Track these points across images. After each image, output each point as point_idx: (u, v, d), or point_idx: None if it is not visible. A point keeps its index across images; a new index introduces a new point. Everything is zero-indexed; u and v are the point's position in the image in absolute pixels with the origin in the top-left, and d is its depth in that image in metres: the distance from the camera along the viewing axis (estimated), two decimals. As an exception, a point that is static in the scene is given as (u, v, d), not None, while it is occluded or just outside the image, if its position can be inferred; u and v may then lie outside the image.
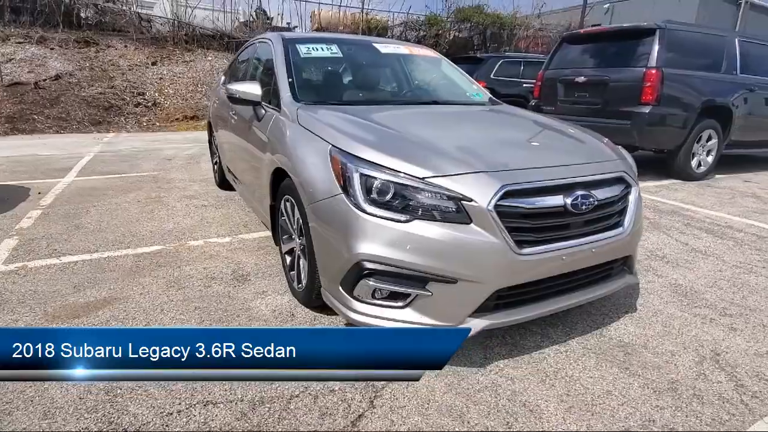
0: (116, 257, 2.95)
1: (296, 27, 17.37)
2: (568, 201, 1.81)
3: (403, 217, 1.69)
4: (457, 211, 1.70)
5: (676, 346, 2.10)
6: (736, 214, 4.34)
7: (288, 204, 2.37)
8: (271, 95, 2.79)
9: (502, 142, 2.21)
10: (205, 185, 4.88)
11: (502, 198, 1.70)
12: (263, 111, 2.76)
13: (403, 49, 3.36)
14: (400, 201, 1.73)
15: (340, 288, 1.86)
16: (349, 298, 1.83)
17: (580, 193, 1.84)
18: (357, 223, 1.73)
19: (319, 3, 17.53)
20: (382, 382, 1.76)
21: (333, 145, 1.94)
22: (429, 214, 1.70)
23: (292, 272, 2.49)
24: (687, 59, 5.35)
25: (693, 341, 2.15)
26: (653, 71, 5.10)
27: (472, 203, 1.68)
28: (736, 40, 5.88)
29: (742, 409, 1.72)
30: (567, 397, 1.75)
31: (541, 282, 1.83)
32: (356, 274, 1.76)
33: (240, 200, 4.33)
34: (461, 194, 1.69)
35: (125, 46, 13.12)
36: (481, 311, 1.76)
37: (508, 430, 1.58)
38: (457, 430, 1.57)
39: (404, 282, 1.74)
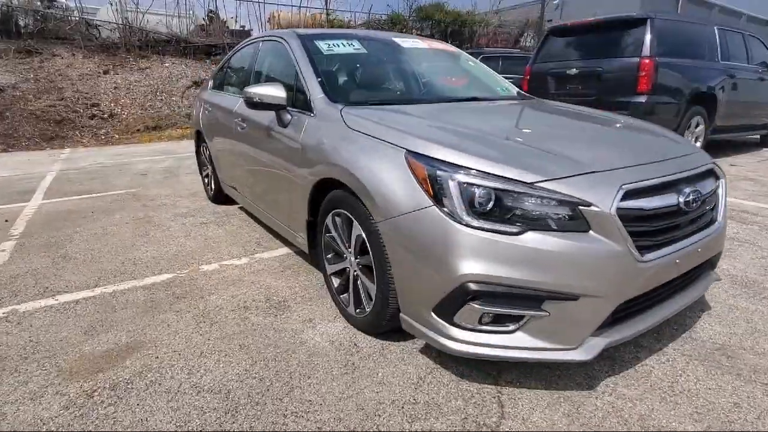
0: (124, 291, 2.55)
1: (252, 30, 16.83)
2: (681, 199, 1.64)
3: (514, 229, 1.46)
4: (573, 218, 1.48)
5: (772, 344, 1.99)
6: (742, 197, 4.39)
7: (339, 219, 2.09)
8: (295, 98, 2.50)
9: (588, 140, 2.00)
10: (195, 201, 4.47)
11: (622, 199, 1.50)
12: (289, 116, 2.46)
13: (422, 43, 3.13)
14: (507, 211, 1.49)
15: (434, 314, 1.61)
16: (447, 325, 1.58)
17: (689, 189, 1.68)
18: (458, 239, 1.49)
19: (278, 4, 17.06)
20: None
21: (408, 150, 1.69)
22: (542, 223, 1.48)
23: (343, 295, 2.21)
24: (676, 48, 5.41)
25: (785, 337, 2.05)
26: (647, 60, 5.11)
27: (592, 208, 1.47)
28: (715, 28, 6.02)
29: None
30: (698, 415, 1.58)
31: (655, 289, 1.65)
32: (459, 297, 1.52)
33: (242, 215, 3.96)
34: (578, 198, 1.47)
35: (72, 55, 12.22)
36: (599, 328, 1.56)
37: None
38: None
39: (517, 303, 1.51)
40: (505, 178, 1.50)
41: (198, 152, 4.49)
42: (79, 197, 4.69)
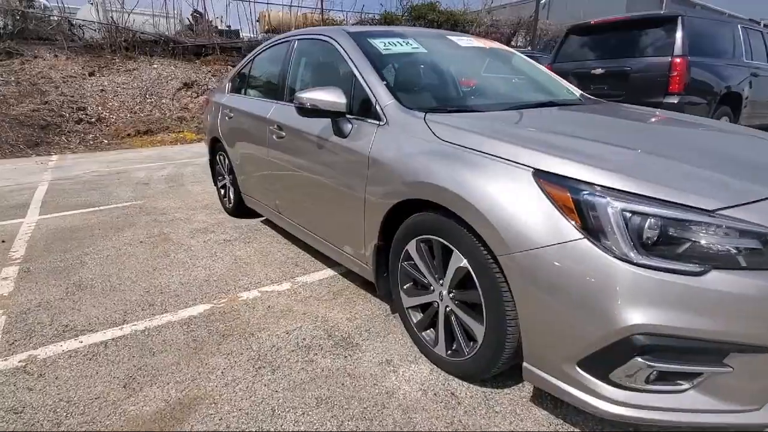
0: (158, 328, 2.21)
1: (239, 29, 16.37)
2: None
3: (695, 268, 1.19)
4: (763, 253, 1.21)
5: None
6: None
7: (425, 246, 1.79)
8: (353, 104, 2.18)
9: (729, 154, 1.71)
10: (210, 214, 4.10)
11: (819, 229, 1.24)
12: (349, 124, 2.15)
13: (476, 41, 2.84)
14: (682, 245, 1.22)
15: (579, 369, 1.32)
16: (599, 383, 1.30)
17: None
18: (624, 280, 1.20)
19: (268, 3, 16.65)
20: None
21: (538, 169, 1.40)
22: (726, 260, 1.20)
23: (427, 332, 1.91)
24: (705, 47, 5.24)
25: None
26: (679, 60, 4.92)
27: (786, 240, 1.20)
28: (739, 26, 5.88)
29: None
30: None
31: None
32: (623, 352, 1.23)
33: (267, 229, 3.63)
34: (769, 228, 1.21)
35: (55, 56, 11.64)
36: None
37: None
38: None
39: (694, 358, 1.23)
40: (681, 205, 1.22)
41: (213, 161, 4.12)
42: (80, 211, 4.28)
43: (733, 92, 5.54)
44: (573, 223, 1.29)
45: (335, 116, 2.16)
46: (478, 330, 1.61)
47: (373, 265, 2.09)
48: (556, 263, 1.30)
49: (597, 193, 1.27)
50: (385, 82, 2.10)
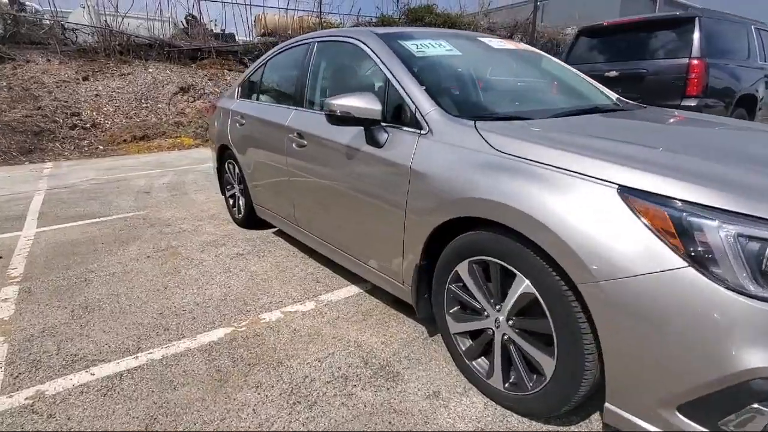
0: (176, 357, 2.02)
1: (234, 33, 16.18)
2: None
3: (826, 302, 1.03)
4: None
5: None
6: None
7: (478, 267, 1.63)
8: (387, 111, 2.02)
9: None
10: (218, 225, 3.91)
11: None
12: (385, 133, 1.98)
13: (507, 44, 2.69)
14: (807, 274, 1.06)
15: (680, 415, 1.16)
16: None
17: None
18: (740, 316, 1.04)
19: (263, 7, 16.49)
20: None
21: (623, 186, 1.23)
22: None
23: (478, 361, 1.74)
24: (721, 48, 5.14)
25: None
26: (697, 62, 4.81)
27: None
28: (752, 27, 5.79)
29: None
30: None
31: None
32: (739, 397, 1.07)
33: (280, 241, 3.44)
34: None
35: (48, 61, 11.39)
36: None
37: None
38: None
39: (820, 403, 1.08)
40: (803, 227, 1.07)
41: (221, 170, 3.93)
42: (79, 223, 4.07)
43: (748, 94, 5.45)
44: (674, 248, 1.13)
45: (369, 124, 1.99)
46: (547, 363, 1.45)
47: (413, 286, 1.92)
48: (654, 294, 1.14)
49: (704, 215, 1.11)
50: (423, 87, 1.93)
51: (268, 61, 3.33)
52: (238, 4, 15.57)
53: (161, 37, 13.42)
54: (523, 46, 2.82)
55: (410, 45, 2.22)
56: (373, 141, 2.01)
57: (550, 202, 1.33)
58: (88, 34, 12.63)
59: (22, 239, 3.67)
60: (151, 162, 7.57)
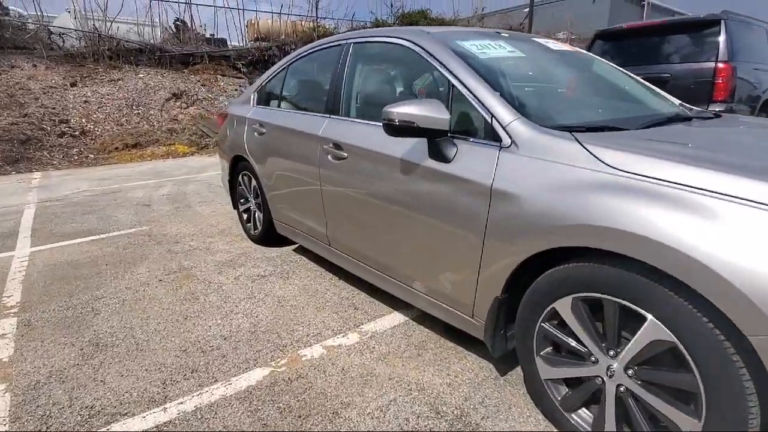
0: (212, 407, 1.73)
1: (226, 38, 15.86)
2: None
3: None
4: None
5: None
6: None
7: (585, 305, 1.38)
8: (452, 121, 1.76)
9: None
10: (231, 241, 3.61)
11: None
12: (453, 147, 1.72)
13: (563, 45, 2.46)
14: None
15: None
16: None
17: None
18: None
19: (256, 11, 16.20)
20: None
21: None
22: None
23: (578, 413, 1.49)
24: (745, 51, 4.99)
25: None
26: (724, 65, 4.65)
27: None
28: (769, 29, 5.69)
29: None
30: None
31: None
32: None
33: (303, 260, 3.17)
34: None
35: (34, 66, 10.96)
36: None
37: None
38: None
39: None
40: None
41: (234, 182, 3.64)
42: (78, 241, 3.74)
43: (769, 98, 5.32)
44: None
45: (434, 136, 1.73)
46: (688, 425, 1.20)
47: (491, 322, 1.66)
48: None
49: None
50: (498, 93, 1.69)
51: (290, 64, 3.05)
52: (230, 8, 15.27)
53: (152, 41, 13.04)
54: (572, 47, 2.60)
55: (470, 46, 1.98)
56: (438, 155, 1.75)
57: (702, 233, 1.09)
58: (76, 38, 12.21)
59: (15, 261, 3.34)
60: (146, 171, 7.22)
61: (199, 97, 12.11)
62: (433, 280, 1.90)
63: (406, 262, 2.03)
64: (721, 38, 4.71)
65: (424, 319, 2.32)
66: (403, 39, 2.12)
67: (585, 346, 1.41)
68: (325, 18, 15.60)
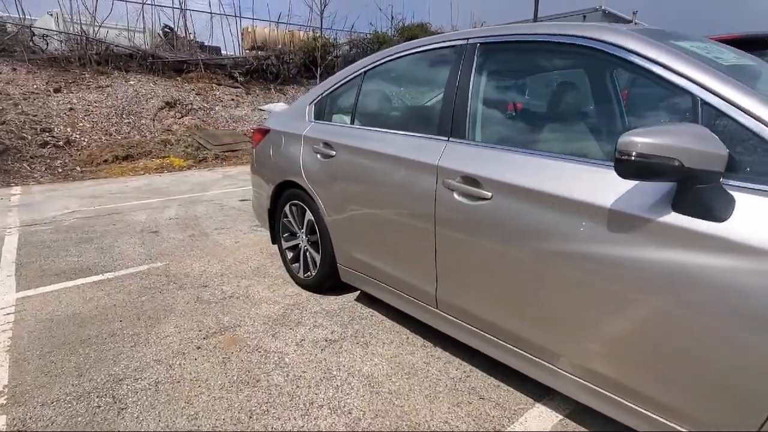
0: None
1: (220, 47, 15.19)
2: None
3: None
4: None
5: None
6: None
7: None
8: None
9: None
10: (272, 285, 2.91)
11: None
12: (730, 199, 1.12)
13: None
14: None
15: None
16: None
17: None
18: None
19: (253, 19, 15.60)
20: None
21: None
22: None
23: None
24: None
25: None
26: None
27: None
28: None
29: None
30: None
31: None
32: None
33: (377, 317, 2.50)
34: None
35: (13, 70, 10.10)
36: None
37: None
38: None
39: None
40: None
41: (277, 213, 2.94)
42: (78, 282, 3.00)
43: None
44: None
45: (699, 180, 1.12)
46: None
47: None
48: None
49: None
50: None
51: (367, 69, 2.41)
52: (226, 15, 14.62)
53: (144, 47, 12.27)
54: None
55: (697, 50, 1.39)
56: (696, 208, 1.14)
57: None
58: (61, 41, 11.35)
59: (-2, 313, 2.58)
60: (143, 188, 6.46)
61: (194, 106, 11.38)
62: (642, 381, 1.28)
63: (587, 353, 1.41)
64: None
65: (577, 413, 1.69)
66: (590, 38, 1.50)
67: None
68: (328, 29, 15.04)
